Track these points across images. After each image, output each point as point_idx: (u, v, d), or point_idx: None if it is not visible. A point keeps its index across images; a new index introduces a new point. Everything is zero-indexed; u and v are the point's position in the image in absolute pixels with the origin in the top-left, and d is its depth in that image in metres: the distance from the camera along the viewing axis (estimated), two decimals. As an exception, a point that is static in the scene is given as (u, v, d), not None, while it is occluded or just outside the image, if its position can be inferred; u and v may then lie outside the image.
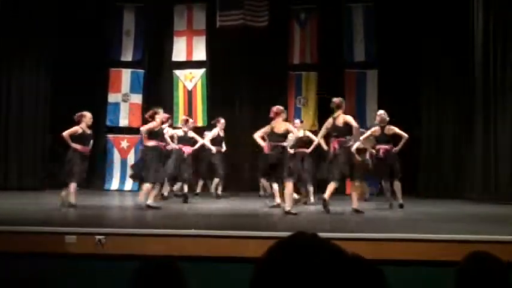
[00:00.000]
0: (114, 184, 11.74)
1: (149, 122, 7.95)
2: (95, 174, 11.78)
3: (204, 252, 4.68)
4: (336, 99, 7.40)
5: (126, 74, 12.06)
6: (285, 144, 7.40)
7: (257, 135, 7.53)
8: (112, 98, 12.01)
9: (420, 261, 4.46)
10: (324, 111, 10.75)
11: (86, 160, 8.10)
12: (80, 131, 7.95)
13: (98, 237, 4.74)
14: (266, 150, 7.38)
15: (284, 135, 7.41)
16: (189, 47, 11.97)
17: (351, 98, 11.43)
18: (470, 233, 5.07)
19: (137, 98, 12.02)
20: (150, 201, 7.57)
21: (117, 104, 12.00)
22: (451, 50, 10.37)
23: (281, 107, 7.63)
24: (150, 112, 8.00)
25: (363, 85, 11.53)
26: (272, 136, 7.36)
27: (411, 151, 10.85)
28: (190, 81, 11.95)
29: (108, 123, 11.97)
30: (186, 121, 9.66)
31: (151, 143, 7.73)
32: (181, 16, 11.99)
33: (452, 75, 10.46)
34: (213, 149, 9.64)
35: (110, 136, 11.97)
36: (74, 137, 7.86)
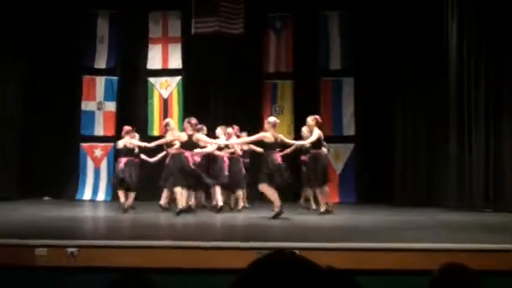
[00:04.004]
0: (87, 194, 11.59)
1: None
2: (66, 183, 11.64)
3: (178, 263, 4.64)
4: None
5: (100, 82, 11.95)
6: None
7: None
8: (86, 106, 11.88)
9: (394, 270, 4.50)
10: (299, 120, 10.84)
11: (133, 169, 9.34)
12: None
13: (70, 249, 4.67)
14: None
15: None
16: (164, 55, 11.93)
17: (327, 106, 11.51)
18: (444, 242, 5.14)
19: (111, 106, 11.91)
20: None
21: (92, 113, 11.88)
22: (426, 58, 10.52)
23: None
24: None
25: (338, 93, 11.62)
26: None
27: (386, 160, 11.01)
28: (165, 89, 11.89)
29: (82, 132, 11.82)
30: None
31: None
32: (157, 23, 11.95)
33: (428, 84, 10.60)
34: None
35: (84, 145, 11.83)
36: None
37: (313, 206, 9.20)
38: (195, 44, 11.60)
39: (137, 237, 5.52)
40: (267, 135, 8.06)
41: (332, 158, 10.44)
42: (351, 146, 11.39)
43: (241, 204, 9.21)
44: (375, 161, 11.17)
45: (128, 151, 9.36)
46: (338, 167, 11.30)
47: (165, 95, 11.86)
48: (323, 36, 11.68)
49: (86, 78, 11.91)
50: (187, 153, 8.53)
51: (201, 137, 8.73)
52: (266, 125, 8.20)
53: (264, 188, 7.93)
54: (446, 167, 10.24)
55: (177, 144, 8.70)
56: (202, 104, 11.79)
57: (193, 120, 8.77)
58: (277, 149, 8.23)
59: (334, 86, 11.65)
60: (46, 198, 11.17)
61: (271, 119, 8.30)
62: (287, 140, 8.85)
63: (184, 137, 8.62)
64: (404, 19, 10.75)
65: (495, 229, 6.78)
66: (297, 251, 1.20)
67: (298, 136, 9.77)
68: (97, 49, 11.92)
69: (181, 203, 8.30)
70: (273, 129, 8.05)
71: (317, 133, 8.58)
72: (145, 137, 10.98)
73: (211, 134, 9.53)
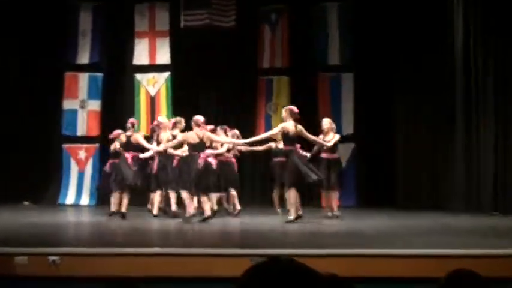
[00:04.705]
0: (70, 198, 11.54)
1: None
2: (48, 187, 11.59)
3: (169, 272, 4.63)
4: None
5: (83, 78, 11.87)
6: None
7: None
8: (68, 104, 11.79)
9: (398, 278, 4.50)
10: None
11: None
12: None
13: (51, 257, 4.65)
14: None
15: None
16: (151, 50, 11.88)
17: (325, 103, 11.50)
18: (451, 247, 5.15)
19: (96, 105, 11.84)
20: None
21: (74, 112, 11.81)
22: (430, 52, 10.53)
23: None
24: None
25: (337, 89, 11.61)
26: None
27: (388, 160, 11.01)
28: (153, 86, 11.84)
29: (64, 132, 11.76)
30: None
31: None
32: (143, 16, 11.88)
33: (432, 80, 10.61)
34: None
35: (66, 146, 11.77)
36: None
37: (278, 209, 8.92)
38: (184, 38, 11.57)
39: (124, 245, 5.50)
40: (191, 136, 7.91)
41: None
42: (351, 145, 11.38)
43: (237, 207, 9.09)
44: (375, 161, 11.17)
45: (115, 154, 9.47)
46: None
47: (153, 92, 11.81)
48: (321, 30, 11.66)
49: (68, 74, 11.82)
50: (126, 155, 8.70)
51: (139, 138, 8.80)
52: (192, 124, 8.08)
53: (184, 194, 7.88)
54: (452, 168, 10.25)
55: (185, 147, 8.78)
56: (192, 101, 11.75)
57: (132, 120, 9.23)
58: (204, 150, 8.00)
59: (333, 82, 11.64)
60: (26, 203, 11.12)
61: (195, 117, 8.11)
62: (219, 139, 8.60)
63: (123, 138, 8.84)
64: (407, 11, 10.74)
65: (504, 233, 6.81)
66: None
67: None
68: (79, 43, 11.84)
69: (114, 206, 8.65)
70: (197, 127, 7.91)
71: (278, 127, 7.92)
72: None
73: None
